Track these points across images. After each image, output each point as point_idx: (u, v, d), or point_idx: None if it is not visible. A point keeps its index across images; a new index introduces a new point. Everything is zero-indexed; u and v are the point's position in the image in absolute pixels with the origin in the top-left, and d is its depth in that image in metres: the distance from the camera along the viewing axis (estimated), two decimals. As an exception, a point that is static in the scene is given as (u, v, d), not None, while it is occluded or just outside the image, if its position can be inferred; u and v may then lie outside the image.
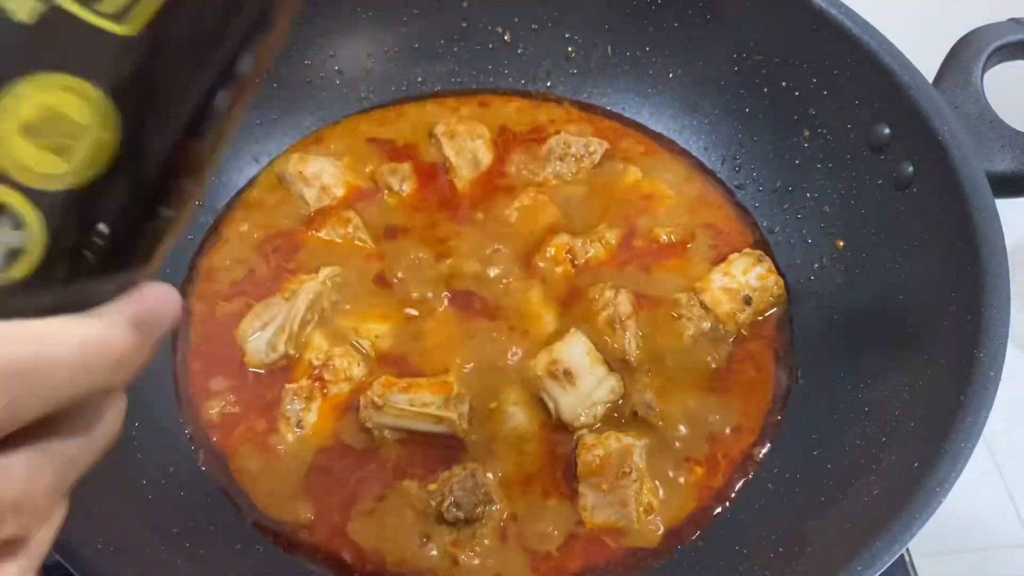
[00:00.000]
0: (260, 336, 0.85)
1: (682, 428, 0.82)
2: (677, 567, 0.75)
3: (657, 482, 0.79)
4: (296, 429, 0.81)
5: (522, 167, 0.99)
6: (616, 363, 0.84)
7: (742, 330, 0.87)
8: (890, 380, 0.75)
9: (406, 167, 0.97)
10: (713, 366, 0.85)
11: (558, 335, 0.85)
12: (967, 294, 0.68)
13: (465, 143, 0.98)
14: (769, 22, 0.88)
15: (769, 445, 0.81)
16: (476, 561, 0.75)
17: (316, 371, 0.83)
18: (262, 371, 0.85)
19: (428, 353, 0.85)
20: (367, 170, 0.98)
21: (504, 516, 0.77)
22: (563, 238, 0.91)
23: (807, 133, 0.90)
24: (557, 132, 1.00)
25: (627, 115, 1.03)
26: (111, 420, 0.36)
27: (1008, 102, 0.87)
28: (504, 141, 1.01)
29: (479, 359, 0.85)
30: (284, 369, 0.85)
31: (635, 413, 0.82)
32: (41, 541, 0.35)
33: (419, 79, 1.05)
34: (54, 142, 0.32)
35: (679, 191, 0.97)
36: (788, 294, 0.89)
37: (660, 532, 0.77)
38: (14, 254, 0.32)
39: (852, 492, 0.69)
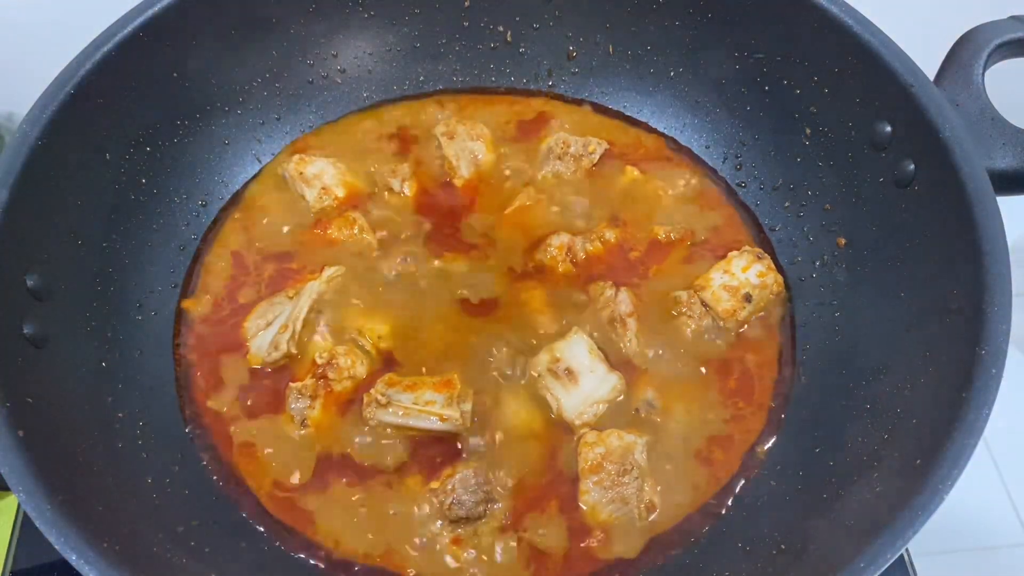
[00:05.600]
0: (263, 335, 0.85)
1: (683, 426, 0.82)
2: (679, 565, 0.76)
3: (658, 480, 0.79)
4: (300, 427, 0.81)
5: (522, 166, 0.99)
6: (617, 361, 0.84)
7: (743, 327, 0.87)
8: (892, 377, 0.75)
9: (406, 167, 0.98)
10: (714, 364, 0.85)
11: (559, 334, 0.85)
12: (969, 291, 0.68)
13: (465, 143, 0.98)
14: (770, 20, 0.89)
15: (771, 443, 0.82)
16: (478, 559, 0.75)
17: (320, 369, 0.83)
18: (265, 369, 0.85)
19: (430, 352, 0.85)
20: (367, 170, 0.98)
21: (506, 514, 0.77)
22: (563, 237, 0.91)
23: (808, 131, 0.90)
24: (557, 131, 1.00)
25: (628, 113, 1.03)
26: None
27: (1009, 99, 0.87)
28: (504, 140, 1.01)
29: (481, 358, 0.85)
30: (286, 368, 0.85)
31: (636, 411, 0.82)
32: None
33: (420, 78, 1.05)
34: None
35: (679, 189, 0.97)
36: (789, 291, 0.89)
37: (661, 530, 0.77)
38: None
39: (854, 489, 0.69)
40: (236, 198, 0.97)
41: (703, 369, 0.85)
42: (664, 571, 0.76)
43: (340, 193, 0.96)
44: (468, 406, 0.81)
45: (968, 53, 0.79)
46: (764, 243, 0.93)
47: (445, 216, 0.95)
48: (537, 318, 0.87)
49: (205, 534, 0.74)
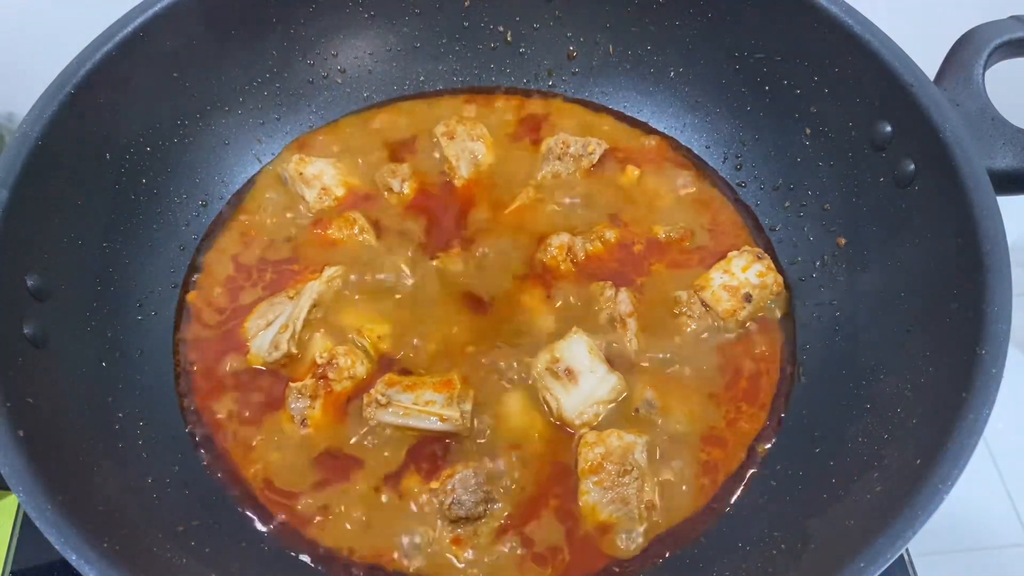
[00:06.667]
0: (264, 335, 0.85)
1: (683, 426, 0.82)
2: (679, 565, 0.76)
3: (658, 480, 0.79)
4: (300, 427, 0.81)
5: (522, 166, 0.99)
6: (617, 361, 0.84)
7: (743, 327, 0.87)
8: (892, 377, 0.75)
9: (406, 167, 0.98)
10: (714, 364, 0.85)
11: (559, 334, 0.85)
12: (969, 291, 0.68)
13: (465, 143, 0.98)
14: (770, 20, 0.89)
15: (771, 442, 0.82)
16: (478, 559, 0.75)
17: (320, 369, 0.83)
18: (265, 369, 0.85)
19: (430, 352, 0.85)
20: (367, 171, 0.98)
21: (506, 514, 0.77)
22: (563, 237, 0.91)
23: (808, 131, 0.90)
24: (557, 131, 1.00)
25: (628, 113, 1.03)
26: None
27: (1009, 99, 0.87)
28: (504, 140, 1.01)
29: (481, 358, 0.85)
30: (286, 367, 0.85)
31: (636, 411, 0.82)
32: None
33: (421, 78, 1.05)
34: None
35: (679, 189, 0.97)
36: (789, 291, 0.89)
37: (661, 530, 0.77)
38: None
39: (855, 489, 0.69)
40: (236, 198, 0.97)
41: (703, 369, 0.85)
42: (664, 571, 0.76)
43: (340, 193, 0.96)
44: (468, 406, 0.81)
45: (968, 53, 0.79)
46: (764, 243, 0.93)
47: (445, 216, 0.95)
48: (537, 318, 0.87)
49: (205, 534, 0.74)
